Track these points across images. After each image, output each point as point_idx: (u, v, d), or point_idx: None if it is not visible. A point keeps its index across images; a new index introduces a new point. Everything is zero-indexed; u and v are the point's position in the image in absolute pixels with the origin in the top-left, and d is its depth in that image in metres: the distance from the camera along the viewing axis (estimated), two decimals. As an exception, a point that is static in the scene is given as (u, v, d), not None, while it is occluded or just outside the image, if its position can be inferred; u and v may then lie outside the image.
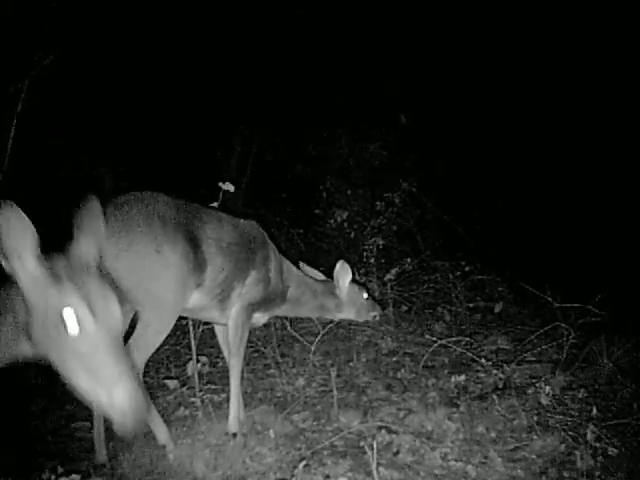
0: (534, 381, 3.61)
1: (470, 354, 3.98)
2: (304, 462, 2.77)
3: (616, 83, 6.68)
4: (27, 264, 1.44)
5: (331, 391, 3.56)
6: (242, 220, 3.35)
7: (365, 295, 3.87)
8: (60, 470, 2.67)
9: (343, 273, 3.76)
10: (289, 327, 4.58)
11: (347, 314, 3.84)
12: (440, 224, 7.16)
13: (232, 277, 3.14)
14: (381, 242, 5.82)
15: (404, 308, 5.29)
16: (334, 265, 3.80)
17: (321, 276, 3.93)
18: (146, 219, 2.73)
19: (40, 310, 1.44)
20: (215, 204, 3.43)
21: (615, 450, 2.89)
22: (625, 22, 6.44)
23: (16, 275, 1.45)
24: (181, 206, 2.94)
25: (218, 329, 3.56)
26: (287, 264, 3.62)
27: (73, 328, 1.40)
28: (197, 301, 3.02)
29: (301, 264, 3.95)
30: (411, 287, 5.64)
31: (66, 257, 1.53)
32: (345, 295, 3.78)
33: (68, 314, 1.40)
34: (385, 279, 5.25)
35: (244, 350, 3.31)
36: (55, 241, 1.57)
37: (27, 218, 1.42)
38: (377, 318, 3.94)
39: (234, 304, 3.25)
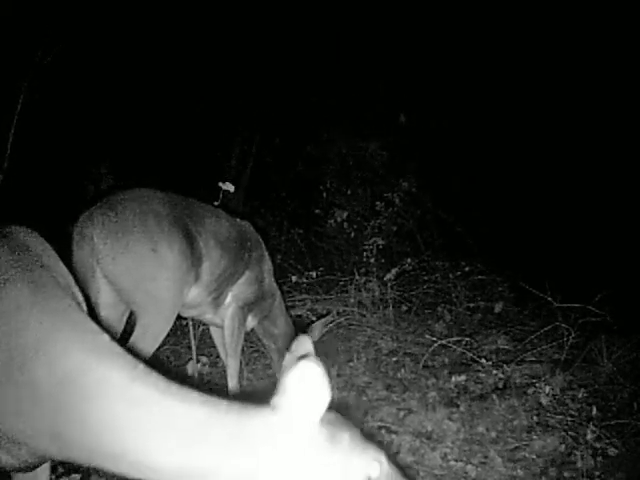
0: (534, 381, 3.60)
1: (470, 354, 3.98)
2: (304, 462, 2.76)
3: (616, 83, 6.68)
4: None
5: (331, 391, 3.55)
6: (238, 219, 3.36)
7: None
8: (60, 470, 2.66)
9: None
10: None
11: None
12: (440, 224, 7.15)
13: (228, 273, 3.12)
14: (381, 242, 5.80)
15: (404, 308, 5.28)
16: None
17: None
18: (141, 219, 2.70)
19: None
20: (215, 204, 3.43)
21: (615, 450, 2.89)
22: (625, 22, 6.44)
23: None
24: (177, 201, 2.92)
25: (214, 331, 3.55)
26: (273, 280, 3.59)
27: None
28: (193, 297, 3.00)
29: None
30: (411, 287, 5.61)
31: None
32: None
33: None
34: (385, 279, 5.22)
35: (240, 351, 3.31)
36: (53, 241, 1.56)
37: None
38: None
39: (227, 304, 3.24)
